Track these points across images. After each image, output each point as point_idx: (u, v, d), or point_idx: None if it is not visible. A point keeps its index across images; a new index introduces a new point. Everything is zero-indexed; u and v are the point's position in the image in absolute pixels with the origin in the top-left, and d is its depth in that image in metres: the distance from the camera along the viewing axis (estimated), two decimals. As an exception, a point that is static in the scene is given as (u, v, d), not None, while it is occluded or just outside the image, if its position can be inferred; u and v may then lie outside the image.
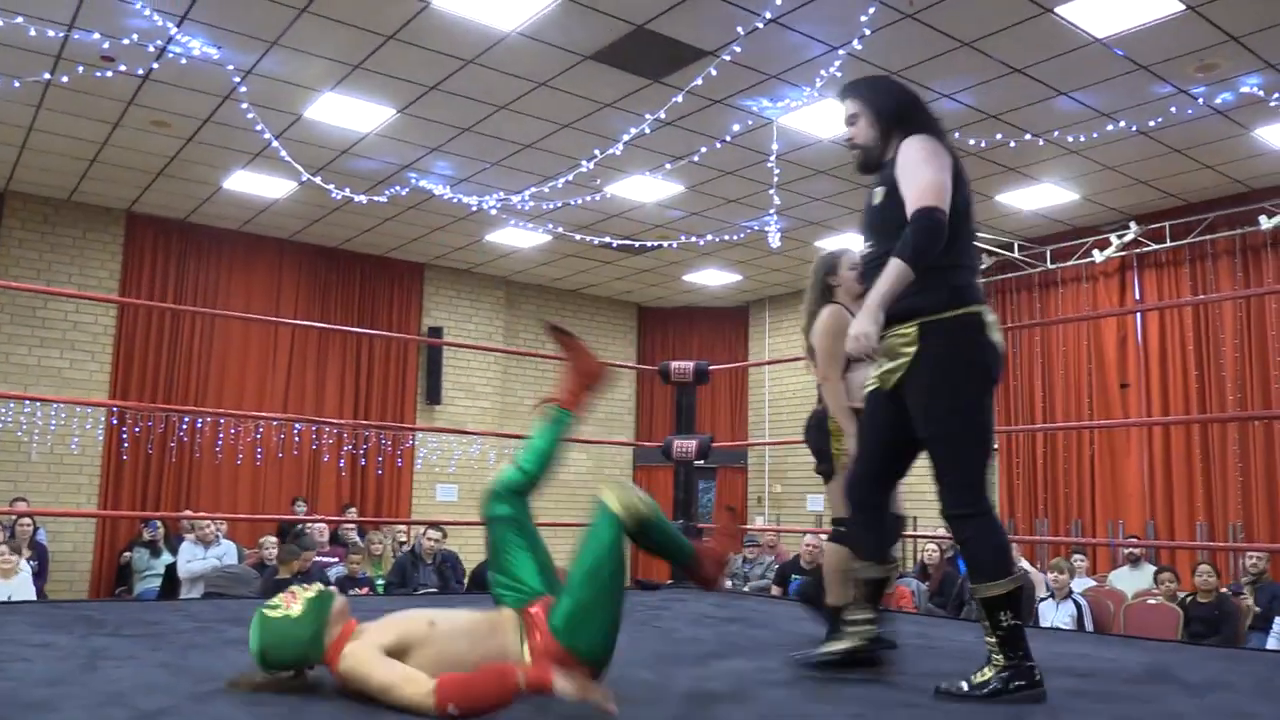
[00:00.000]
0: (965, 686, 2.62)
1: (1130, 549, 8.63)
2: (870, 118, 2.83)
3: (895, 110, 2.82)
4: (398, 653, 2.34)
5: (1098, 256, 10.07)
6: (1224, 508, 9.22)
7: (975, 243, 2.77)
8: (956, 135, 7.91)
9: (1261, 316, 9.21)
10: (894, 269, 2.56)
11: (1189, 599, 7.12)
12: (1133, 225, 9.75)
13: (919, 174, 2.62)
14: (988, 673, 2.62)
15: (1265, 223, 8.73)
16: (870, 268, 2.77)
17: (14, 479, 9.81)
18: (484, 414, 12.66)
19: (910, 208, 2.59)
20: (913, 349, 2.70)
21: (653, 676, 2.84)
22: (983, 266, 10.95)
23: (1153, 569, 8.26)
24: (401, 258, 12.20)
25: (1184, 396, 9.60)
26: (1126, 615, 7.19)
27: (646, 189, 9.51)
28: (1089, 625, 6.92)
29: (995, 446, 10.95)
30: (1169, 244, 9.66)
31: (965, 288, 2.70)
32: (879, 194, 2.79)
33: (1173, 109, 7.37)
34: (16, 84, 7.16)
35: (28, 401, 9.86)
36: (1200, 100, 7.23)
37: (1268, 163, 8.47)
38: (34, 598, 6.92)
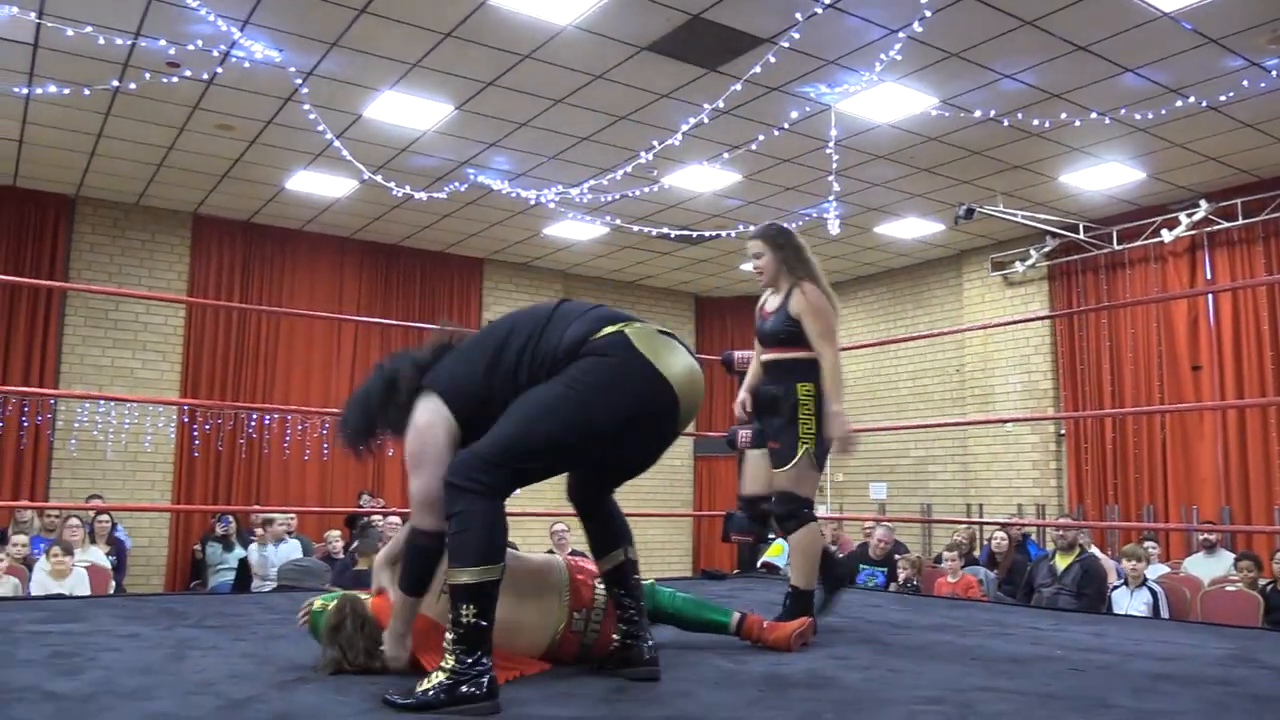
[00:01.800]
0: (406, 695, 2.24)
1: (1205, 535, 8.43)
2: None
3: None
4: None
5: (1166, 236, 9.84)
6: (1303, 492, 8.97)
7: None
8: (1019, 115, 7.79)
9: (1340, 294, 8.93)
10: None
11: (1269, 586, 6.94)
12: (1203, 203, 9.50)
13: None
14: (435, 678, 2.26)
15: (1343, 197, 8.47)
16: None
17: (91, 477, 10.09)
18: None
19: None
20: None
21: (729, 664, 2.85)
22: (1046, 249, 10.81)
23: (1230, 556, 8.07)
24: (461, 253, 12.30)
25: (1259, 377, 9.34)
26: (1204, 602, 7.02)
27: (704, 179, 9.48)
28: (1164, 613, 6.78)
29: (1063, 431, 10.77)
30: (1241, 221, 9.41)
31: None
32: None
33: (1244, 82, 7.17)
34: (86, 92, 7.34)
35: (102, 401, 10.13)
36: (1274, 73, 7.02)
37: (1345, 135, 8.21)
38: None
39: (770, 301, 3.72)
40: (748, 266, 2.99)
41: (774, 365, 3.64)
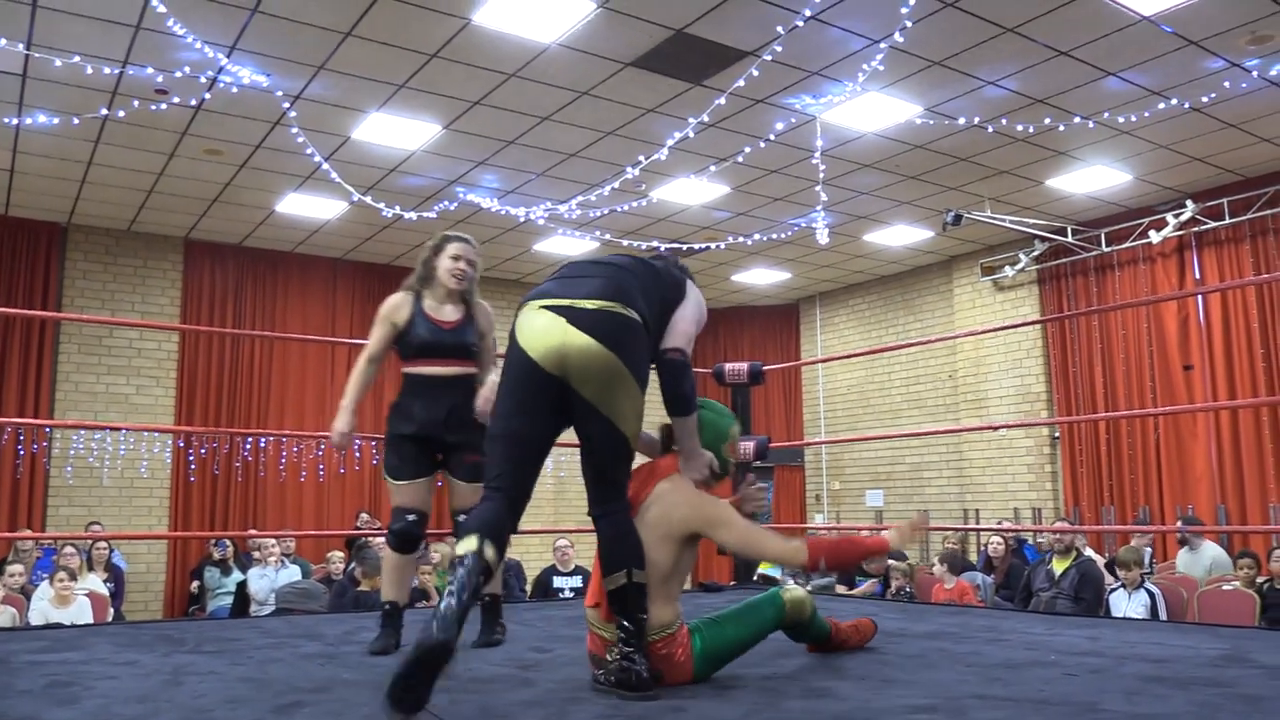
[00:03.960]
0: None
1: (1182, 532, 8.46)
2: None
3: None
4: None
5: (1154, 237, 9.89)
6: (1297, 489, 9.00)
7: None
8: (1004, 121, 7.84)
9: (1328, 291, 8.99)
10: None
11: (1266, 585, 6.96)
12: (1189, 204, 9.57)
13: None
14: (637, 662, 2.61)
15: (1327, 195, 8.53)
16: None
17: (87, 504, 10.09)
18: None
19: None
20: None
21: (723, 674, 2.86)
22: (1035, 253, 10.87)
23: (1213, 552, 8.11)
24: (452, 271, 12.30)
25: (1250, 376, 9.38)
26: (1200, 602, 7.04)
27: (692, 192, 9.53)
28: (1162, 614, 6.79)
29: (1056, 435, 10.80)
30: (1228, 220, 9.47)
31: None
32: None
33: (1226, 83, 7.23)
34: (76, 121, 7.38)
35: (98, 429, 10.13)
36: (1254, 73, 7.08)
37: (1327, 133, 8.28)
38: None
39: (449, 311, 3.64)
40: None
41: (464, 379, 3.61)
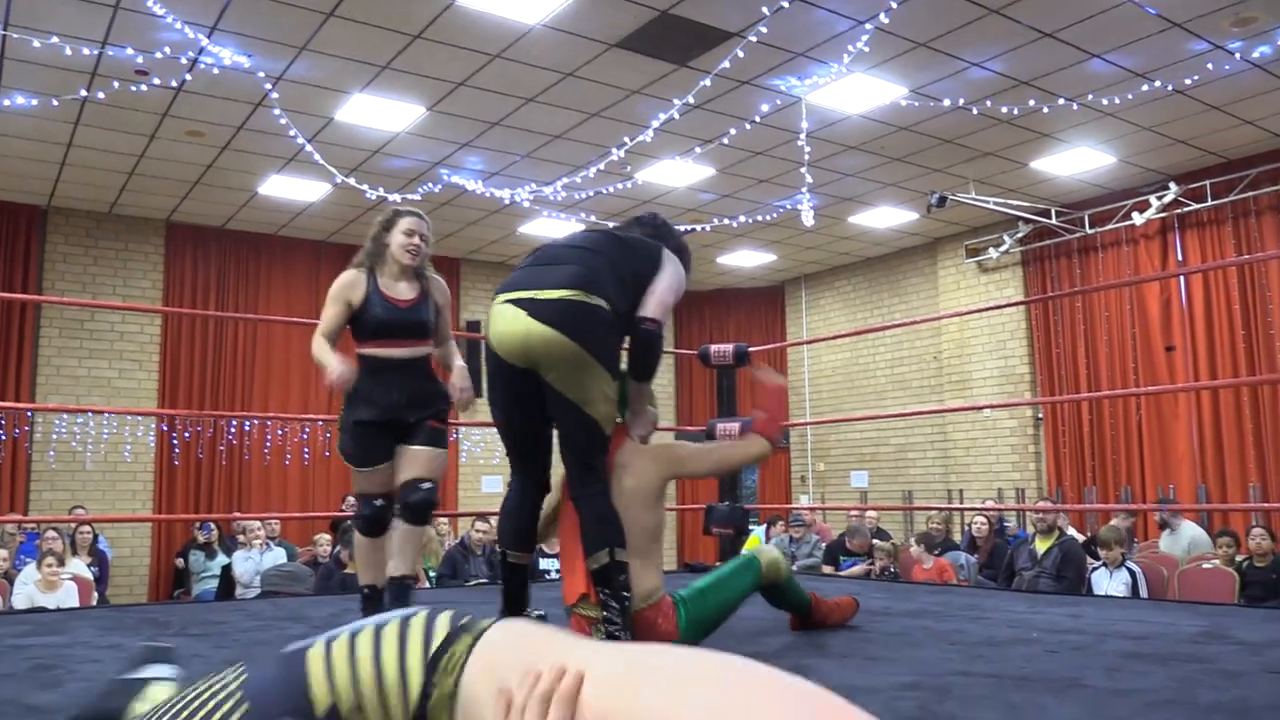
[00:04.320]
0: None
1: (1161, 512, 8.53)
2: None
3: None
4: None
5: (1138, 219, 9.93)
6: (1277, 469, 9.07)
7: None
8: (989, 103, 7.84)
9: (1308, 272, 9.05)
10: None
11: (1245, 563, 7.03)
12: (1172, 186, 9.60)
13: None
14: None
15: (1309, 176, 8.57)
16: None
17: (70, 488, 10.04)
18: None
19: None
20: None
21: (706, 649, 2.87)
22: (1019, 234, 10.90)
23: (1193, 531, 8.19)
24: (437, 253, 12.13)
25: (1231, 356, 9.45)
26: (1181, 581, 7.11)
27: (677, 173, 9.51)
28: (1143, 592, 6.86)
29: (1040, 416, 10.86)
30: (1210, 203, 9.51)
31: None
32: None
33: (1209, 65, 7.24)
34: (55, 103, 7.30)
35: (80, 413, 10.08)
36: (1237, 55, 7.10)
37: (1309, 115, 8.31)
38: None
39: (404, 289, 3.54)
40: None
41: (422, 359, 3.59)
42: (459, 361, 3.66)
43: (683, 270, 3.07)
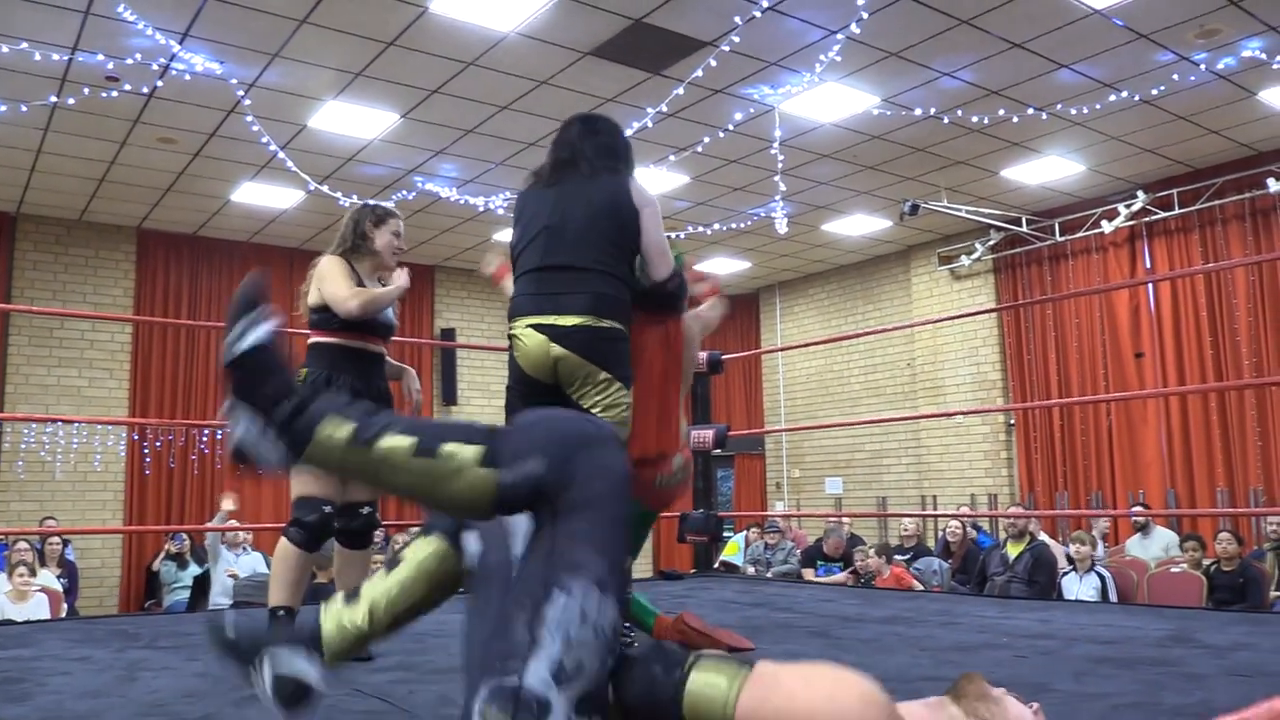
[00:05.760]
0: None
1: (1136, 517, 8.63)
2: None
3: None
4: None
5: (1106, 227, 10.04)
6: (1244, 473, 9.20)
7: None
8: (959, 113, 7.92)
9: (1274, 280, 9.17)
10: None
11: (1213, 567, 7.12)
12: (1140, 194, 9.72)
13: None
14: None
15: (1274, 185, 8.70)
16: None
17: (39, 498, 9.92)
18: (501, 412, 12.65)
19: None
20: None
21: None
22: (991, 242, 11.00)
23: (1165, 536, 8.29)
24: (411, 261, 12.20)
25: (1199, 363, 9.57)
26: (1150, 585, 7.19)
27: (651, 181, 9.52)
28: (1113, 596, 6.93)
29: (1012, 422, 10.97)
30: (1178, 211, 9.63)
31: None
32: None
33: (1175, 76, 7.35)
34: (24, 108, 7.23)
35: (50, 422, 9.96)
36: (1203, 66, 7.21)
37: (1274, 125, 8.43)
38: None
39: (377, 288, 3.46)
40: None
41: (384, 357, 3.53)
42: (410, 370, 3.73)
43: (651, 194, 3.21)
